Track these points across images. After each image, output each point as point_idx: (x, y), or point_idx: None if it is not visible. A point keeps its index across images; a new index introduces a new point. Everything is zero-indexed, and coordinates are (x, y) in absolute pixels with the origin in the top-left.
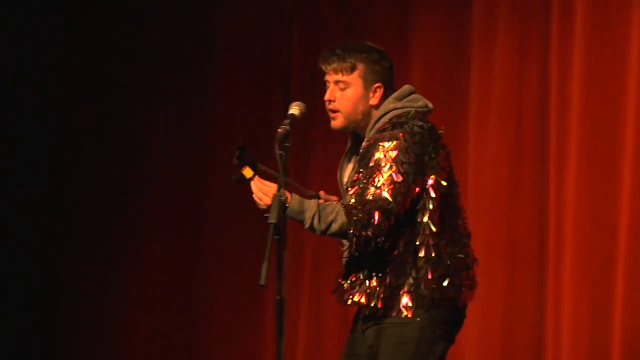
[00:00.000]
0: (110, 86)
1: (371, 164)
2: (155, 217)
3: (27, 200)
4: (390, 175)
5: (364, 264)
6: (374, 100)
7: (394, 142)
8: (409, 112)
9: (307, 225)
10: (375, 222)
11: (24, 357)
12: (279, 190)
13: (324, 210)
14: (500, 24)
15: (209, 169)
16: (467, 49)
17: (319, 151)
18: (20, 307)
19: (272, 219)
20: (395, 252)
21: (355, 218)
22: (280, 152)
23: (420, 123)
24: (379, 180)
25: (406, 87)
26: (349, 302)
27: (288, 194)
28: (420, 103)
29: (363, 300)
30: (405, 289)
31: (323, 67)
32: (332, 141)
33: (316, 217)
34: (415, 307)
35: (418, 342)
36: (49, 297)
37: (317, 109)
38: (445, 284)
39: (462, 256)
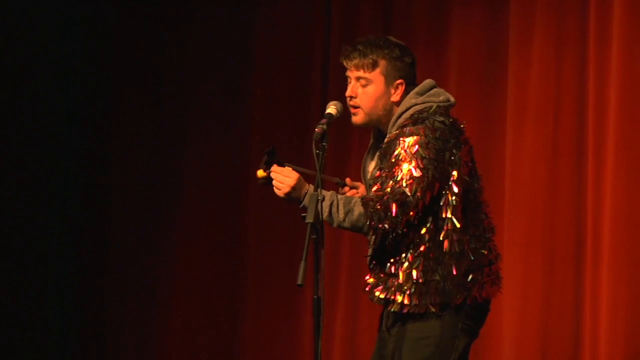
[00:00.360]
0: (158, 85)
1: (392, 159)
2: (199, 216)
3: (78, 193)
4: (410, 169)
5: (389, 261)
6: (395, 97)
7: (415, 138)
8: (430, 107)
9: (325, 215)
10: (393, 215)
11: (72, 351)
12: (316, 189)
13: (342, 201)
14: (538, 21)
15: (251, 167)
16: (505, 46)
17: (357, 150)
18: (69, 298)
19: (310, 218)
20: (421, 248)
21: (372, 210)
22: (318, 151)
23: (441, 118)
24: (398, 175)
25: (427, 82)
26: (375, 299)
27: (307, 185)
28: (442, 97)
29: (390, 296)
30: (431, 285)
31: (344, 63)
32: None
33: (334, 207)
34: (441, 303)
35: (440, 337)
36: (96, 292)
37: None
38: (469, 279)
39: (485, 252)
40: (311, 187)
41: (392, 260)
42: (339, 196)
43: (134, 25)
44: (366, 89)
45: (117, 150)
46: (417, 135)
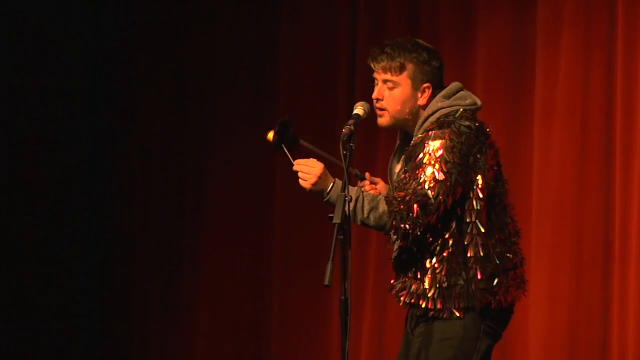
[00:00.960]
0: (183, 88)
1: (416, 161)
2: (224, 219)
3: (102, 199)
4: (433, 172)
5: (414, 265)
6: (422, 100)
7: (440, 141)
8: (456, 111)
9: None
10: (414, 215)
11: (96, 349)
12: (343, 189)
13: (367, 198)
14: (565, 23)
15: (277, 168)
16: (532, 48)
17: (383, 151)
18: (93, 298)
19: (337, 219)
20: (445, 253)
21: (395, 209)
22: (345, 152)
23: (467, 123)
24: (421, 177)
25: (454, 85)
26: (401, 302)
27: (331, 180)
28: (468, 101)
29: (414, 300)
30: (456, 289)
31: (372, 65)
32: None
33: (359, 202)
34: (466, 307)
35: (462, 339)
36: (121, 292)
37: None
38: (494, 283)
39: (510, 255)
40: (337, 181)
41: (416, 264)
42: (365, 193)
43: (161, 25)
44: (393, 91)
45: (142, 153)
46: (442, 139)
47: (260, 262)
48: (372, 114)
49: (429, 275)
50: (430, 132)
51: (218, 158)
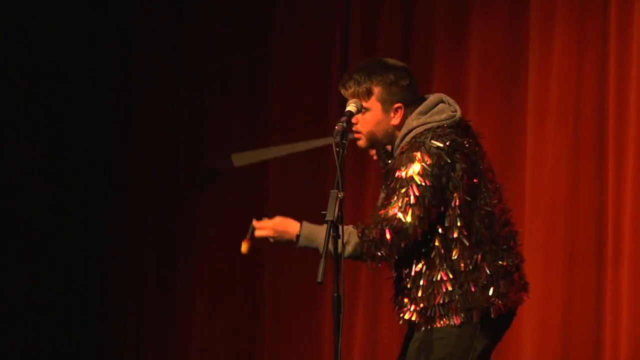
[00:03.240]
0: (178, 85)
1: (391, 185)
2: (218, 217)
3: (98, 197)
4: (406, 197)
5: (410, 286)
6: (395, 121)
7: (411, 165)
8: (429, 130)
9: (322, 251)
10: (388, 241)
11: (93, 355)
12: (337, 187)
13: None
14: (558, 22)
15: (271, 166)
16: (525, 47)
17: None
18: (88, 297)
19: (329, 216)
20: (435, 271)
21: (367, 239)
22: (338, 149)
23: (437, 143)
24: (395, 202)
25: (432, 99)
26: (401, 321)
27: (299, 224)
28: (444, 115)
29: (414, 318)
30: (453, 305)
31: (342, 92)
32: None
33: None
34: (465, 319)
35: (457, 337)
36: (116, 291)
37: None
38: (490, 293)
39: (504, 263)
40: (305, 224)
41: (411, 285)
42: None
43: (157, 24)
44: (365, 116)
45: (136, 151)
46: (412, 162)
47: (254, 259)
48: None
49: (426, 296)
50: (402, 156)
51: (213, 156)
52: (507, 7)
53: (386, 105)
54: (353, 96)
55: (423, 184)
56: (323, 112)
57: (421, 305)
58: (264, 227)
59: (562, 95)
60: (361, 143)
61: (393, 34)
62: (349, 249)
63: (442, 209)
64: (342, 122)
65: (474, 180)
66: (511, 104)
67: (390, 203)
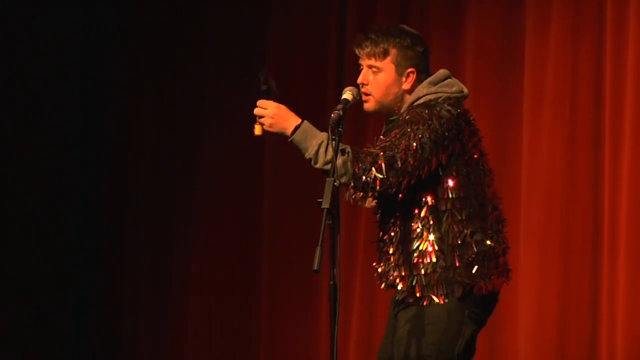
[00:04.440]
0: (173, 83)
1: (393, 133)
2: (214, 210)
3: (94, 193)
4: (407, 141)
5: (394, 251)
6: (406, 85)
7: (419, 117)
8: (441, 97)
9: (311, 152)
10: (376, 171)
11: (88, 351)
12: (332, 175)
13: (334, 144)
14: (554, 9)
15: (265, 158)
16: (521, 35)
17: (372, 136)
18: (84, 294)
19: (325, 204)
20: (422, 241)
21: (361, 160)
22: (334, 137)
23: (448, 107)
24: (395, 142)
25: (442, 72)
26: (382, 285)
27: (295, 120)
28: (455, 88)
29: (395, 284)
30: (434, 276)
31: (357, 51)
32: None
33: (323, 147)
34: (445, 293)
35: (447, 323)
36: (113, 285)
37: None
38: (474, 271)
39: (492, 243)
40: (306, 123)
41: (396, 250)
42: (331, 136)
43: (152, 19)
44: (377, 76)
45: (132, 147)
46: (422, 116)
47: (250, 248)
48: (360, 99)
49: (407, 262)
50: (411, 111)
51: (208, 151)
52: None
53: (400, 68)
54: (368, 56)
55: (426, 136)
56: (320, 106)
57: (403, 272)
58: (266, 107)
59: (557, 86)
60: (368, 106)
61: (389, 23)
62: (341, 158)
63: (437, 172)
64: (338, 110)
65: (475, 156)
66: (507, 95)
67: (392, 142)
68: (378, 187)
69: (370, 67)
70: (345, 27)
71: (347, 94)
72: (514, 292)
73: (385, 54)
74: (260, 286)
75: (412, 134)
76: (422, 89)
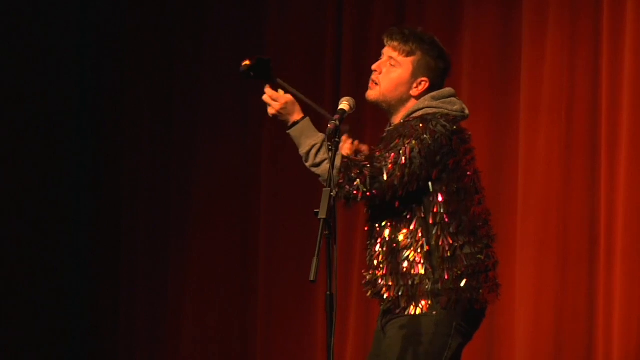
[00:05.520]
0: (169, 84)
1: (386, 143)
2: (210, 215)
3: (89, 195)
4: (397, 155)
5: (384, 260)
6: (414, 91)
7: (413, 131)
8: (440, 113)
9: (303, 151)
10: (361, 182)
11: (84, 354)
12: (328, 185)
13: (325, 147)
14: (551, 17)
15: (262, 164)
16: (518, 43)
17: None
18: (80, 296)
19: (322, 214)
20: (412, 252)
21: (347, 170)
22: (330, 147)
23: (444, 123)
24: (384, 154)
25: (447, 90)
26: (369, 293)
27: (302, 114)
28: (456, 107)
29: (381, 293)
30: (421, 288)
31: (385, 40)
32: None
33: (315, 149)
34: (432, 305)
35: (433, 335)
36: (108, 287)
37: (367, 106)
38: (462, 284)
39: (482, 257)
40: (308, 119)
41: (384, 260)
42: (328, 144)
43: (148, 21)
44: (393, 70)
45: (128, 148)
46: (415, 129)
47: (246, 258)
48: (357, 109)
49: (395, 272)
50: (406, 123)
51: (204, 154)
52: (500, 2)
53: (417, 72)
54: (394, 48)
55: (417, 150)
56: (315, 112)
57: (390, 282)
58: (277, 100)
59: (554, 92)
60: (371, 94)
61: (385, 26)
62: (326, 166)
63: (426, 188)
64: (335, 121)
65: (467, 173)
66: (503, 103)
67: (381, 154)
68: (360, 199)
69: (390, 58)
70: (342, 33)
71: (344, 104)
72: (510, 301)
73: (410, 53)
74: (257, 296)
75: (402, 147)
76: (424, 101)
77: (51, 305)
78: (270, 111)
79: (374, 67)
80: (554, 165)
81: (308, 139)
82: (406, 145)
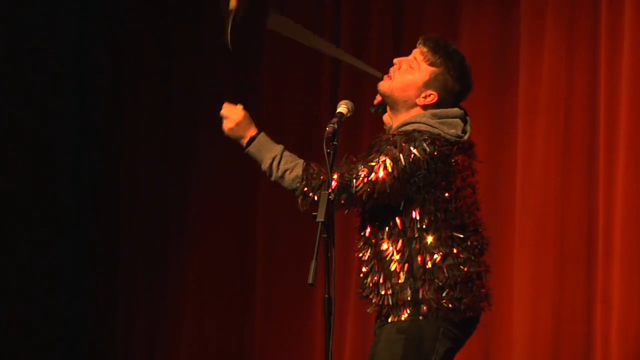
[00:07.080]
0: (167, 87)
1: (366, 154)
2: (208, 218)
3: (90, 193)
4: (369, 170)
5: (372, 268)
6: (421, 100)
7: (392, 149)
8: (431, 133)
9: (265, 166)
10: (333, 187)
11: (80, 349)
12: (327, 188)
13: (285, 157)
14: (549, 19)
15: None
16: (516, 44)
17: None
18: (79, 296)
19: (320, 217)
20: (392, 262)
21: (310, 177)
22: (329, 150)
23: (426, 146)
24: (359, 167)
25: (454, 110)
26: (361, 296)
27: (256, 130)
28: (452, 131)
29: (371, 297)
30: (403, 297)
31: (418, 41)
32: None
33: (275, 161)
34: (413, 313)
35: (419, 339)
36: (108, 288)
37: (365, 110)
38: (444, 294)
39: (464, 268)
40: (262, 136)
41: (367, 271)
42: (286, 153)
43: (146, 23)
44: (410, 70)
45: (127, 148)
46: (395, 147)
47: (245, 260)
48: (355, 113)
49: (377, 282)
50: (391, 138)
51: (204, 155)
52: (498, 3)
53: (430, 83)
54: (422, 53)
55: (390, 170)
56: (314, 110)
57: (376, 289)
58: (232, 114)
59: (552, 93)
60: (383, 85)
61: (384, 29)
62: (290, 175)
63: (404, 203)
64: (334, 124)
65: (445, 194)
66: (501, 103)
67: (356, 167)
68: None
69: (414, 59)
70: (340, 36)
71: (342, 108)
72: (508, 302)
73: (433, 63)
74: (255, 299)
75: (376, 165)
76: (423, 116)
77: (50, 305)
78: (226, 126)
79: (395, 60)
80: (552, 166)
81: (268, 152)
82: (380, 163)
